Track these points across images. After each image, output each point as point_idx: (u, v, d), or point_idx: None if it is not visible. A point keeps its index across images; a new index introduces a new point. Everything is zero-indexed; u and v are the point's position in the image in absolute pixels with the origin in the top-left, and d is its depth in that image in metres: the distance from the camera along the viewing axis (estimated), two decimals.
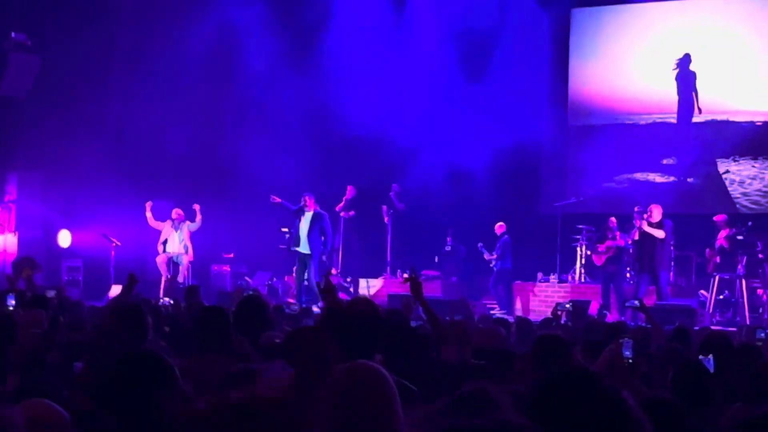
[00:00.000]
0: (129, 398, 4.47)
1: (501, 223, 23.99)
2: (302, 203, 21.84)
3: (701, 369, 6.80)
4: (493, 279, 23.74)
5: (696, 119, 24.88)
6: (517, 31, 25.62)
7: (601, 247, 22.01)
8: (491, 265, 23.78)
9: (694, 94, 24.78)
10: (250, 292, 15.29)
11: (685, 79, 24.93)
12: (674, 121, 25.19)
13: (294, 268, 23.05)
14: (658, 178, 25.09)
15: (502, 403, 3.38)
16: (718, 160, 24.62)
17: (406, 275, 8.17)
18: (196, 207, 23.12)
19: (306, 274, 21.72)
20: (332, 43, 25.83)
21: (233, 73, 25.95)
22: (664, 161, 25.27)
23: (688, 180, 24.85)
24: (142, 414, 4.45)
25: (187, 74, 25.15)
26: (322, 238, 21.85)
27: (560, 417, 3.19)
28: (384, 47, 25.67)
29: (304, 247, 21.69)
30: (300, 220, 21.85)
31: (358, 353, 5.05)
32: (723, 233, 21.49)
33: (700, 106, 24.73)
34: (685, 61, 24.86)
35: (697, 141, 24.77)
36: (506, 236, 23.79)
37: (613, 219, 22.13)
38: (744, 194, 24.42)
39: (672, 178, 24.94)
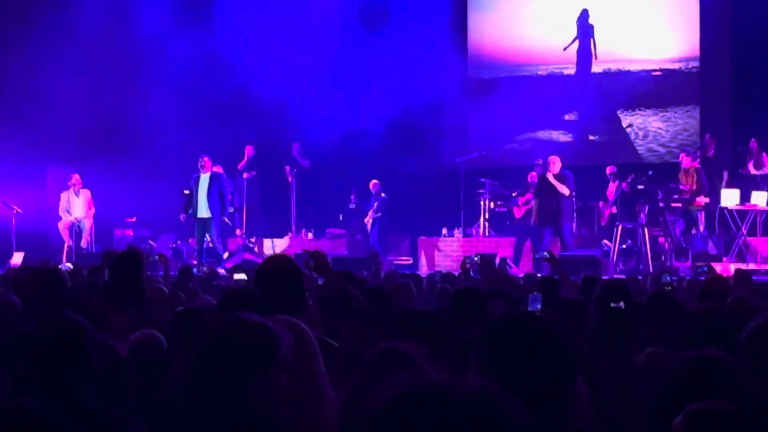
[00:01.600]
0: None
1: (376, 181, 24.08)
2: (199, 164, 21.60)
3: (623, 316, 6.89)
4: (378, 234, 23.87)
5: (595, 70, 25.18)
6: None
7: (522, 200, 22.21)
8: (366, 222, 23.91)
9: (592, 45, 25.08)
10: (156, 257, 15.19)
11: (585, 32, 25.19)
12: (572, 72, 25.44)
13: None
14: (561, 136, 25.32)
15: (417, 360, 3.34)
16: (619, 111, 24.92)
17: (305, 253, 7.66)
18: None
19: (207, 236, 21.56)
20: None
21: (127, 31, 25.51)
22: (566, 116, 25.52)
23: (591, 138, 25.14)
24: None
25: (81, 34, 24.70)
26: (221, 198, 21.63)
27: (510, 355, 3.19)
28: (280, 2, 25.50)
29: (203, 210, 21.47)
30: (196, 183, 21.63)
31: (282, 309, 5.01)
32: (614, 185, 21.89)
33: (598, 55, 25.06)
34: (584, 16, 25.12)
35: (597, 92, 25.05)
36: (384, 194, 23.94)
37: (533, 173, 22.27)
38: (646, 144, 24.78)
39: (572, 137, 25.21)
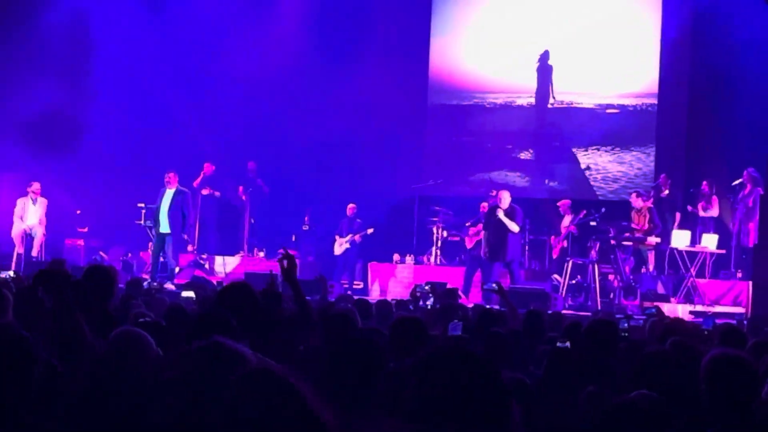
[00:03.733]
0: None
1: (353, 205, 24.09)
2: (165, 179, 21.56)
3: (565, 354, 6.91)
4: (353, 258, 23.90)
5: (553, 106, 25.35)
6: (380, 7, 25.63)
7: (472, 231, 22.27)
8: (344, 244, 23.84)
9: (551, 86, 25.30)
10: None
11: (544, 73, 25.39)
12: (532, 102, 25.59)
13: (149, 244, 22.88)
14: (518, 180, 25.33)
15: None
16: (575, 149, 25.08)
17: (281, 252, 7.83)
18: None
19: (162, 251, 21.51)
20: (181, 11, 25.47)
21: (85, 38, 25.30)
22: (522, 155, 25.65)
23: (548, 183, 25.28)
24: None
25: (39, 40, 24.55)
26: (183, 216, 21.61)
27: (441, 390, 3.21)
28: (248, 20, 25.53)
29: (163, 225, 21.43)
30: (161, 197, 21.60)
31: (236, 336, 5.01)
32: (567, 219, 22.04)
33: (556, 94, 25.27)
34: (544, 57, 25.31)
35: (554, 129, 25.21)
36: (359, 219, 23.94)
37: (484, 204, 22.31)
38: (601, 181, 24.95)
39: (528, 181, 25.32)
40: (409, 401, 3.30)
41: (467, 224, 22.82)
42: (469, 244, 22.44)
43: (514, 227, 20.64)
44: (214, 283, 18.01)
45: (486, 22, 25.97)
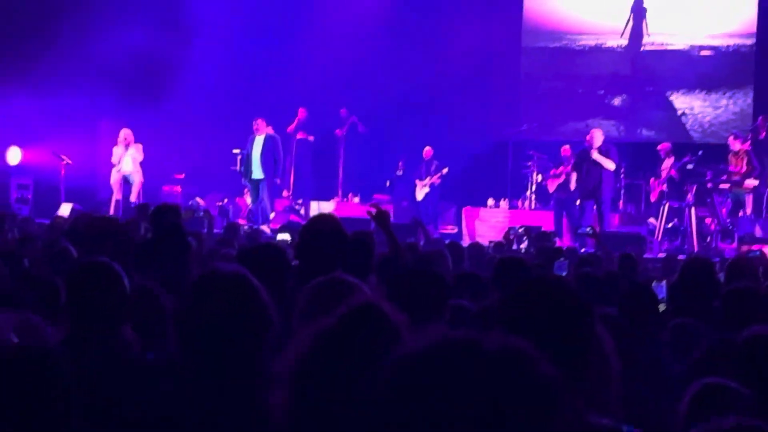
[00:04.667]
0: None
1: (429, 148, 24.04)
2: (254, 126, 21.75)
3: (647, 292, 6.88)
4: (436, 201, 23.92)
5: (647, 49, 25.03)
6: None
7: (554, 173, 22.13)
8: (424, 187, 23.84)
9: (645, 26, 24.96)
10: (200, 213, 15.31)
11: (638, 13, 25.05)
12: (624, 44, 25.28)
13: (245, 190, 23.10)
14: (612, 129, 24.95)
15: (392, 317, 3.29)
16: (670, 93, 24.76)
17: (371, 207, 7.82)
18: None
19: (258, 197, 21.71)
20: None
21: None
22: (615, 101, 25.38)
23: (644, 132, 24.99)
24: None
25: None
26: (274, 161, 21.78)
27: (533, 319, 3.26)
28: None
29: (256, 171, 21.63)
30: (251, 144, 21.78)
31: (324, 269, 5.04)
32: (668, 162, 21.72)
33: (648, 37, 24.98)
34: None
35: (648, 72, 24.90)
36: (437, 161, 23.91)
37: (566, 147, 22.18)
38: (697, 124, 24.63)
39: (623, 130, 25.05)
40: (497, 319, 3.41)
41: (549, 168, 22.68)
42: (551, 187, 22.26)
43: (610, 165, 20.41)
44: None
45: None
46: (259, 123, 21.74)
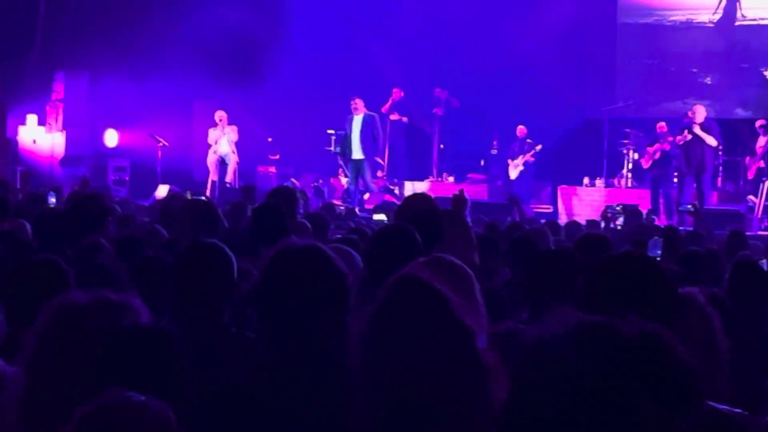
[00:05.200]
0: None
1: (522, 126, 23.92)
2: (351, 106, 21.80)
3: (757, 269, 6.74)
4: (530, 179, 23.79)
5: (741, 23, 24.64)
6: None
7: (650, 150, 21.89)
8: (517, 166, 23.71)
9: (737, 2, 24.61)
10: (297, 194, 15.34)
11: None
12: (712, 21, 24.91)
13: (339, 170, 23.18)
14: (707, 110, 24.44)
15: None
16: (763, 69, 24.35)
17: (456, 193, 7.68)
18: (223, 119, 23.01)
19: (360, 176, 21.79)
20: None
21: None
22: (707, 80, 25.00)
23: (739, 111, 24.58)
24: None
25: None
26: (374, 139, 21.84)
27: (614, 296, 3.24)
28: None
29: (356, 151, 21.70)
30: (350, 124, 21.82)
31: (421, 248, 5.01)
32: (763, 139, 21.31)
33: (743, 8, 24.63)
34: None
35: (740, 48, 24.49)
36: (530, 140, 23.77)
37: (662, 123, 21.94)
38: None
39: (716, 110, 24.65)
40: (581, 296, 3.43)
41: (644, 145, 22.45)
42: (645, 164, 22.01)
43: (711, 141, 20.15)
44: None
45: None
46: (358, 102, 21.80)
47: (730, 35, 24.72)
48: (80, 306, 3.49)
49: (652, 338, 1.89)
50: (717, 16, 24.91)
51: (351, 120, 21.82)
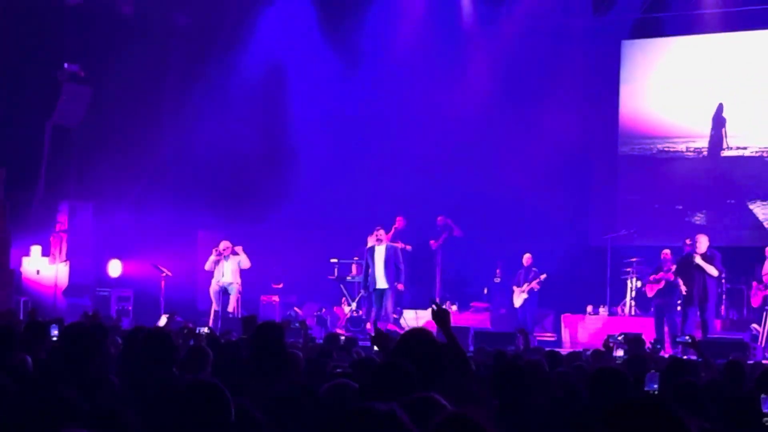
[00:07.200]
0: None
1: (529, 255, 23.93)
2: (376, 236, 21.88)
3: (751, 404, 6.67)
4: (533, 308, 23.72)
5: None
6: (568, 60, 25.51)
7: (653, 279, 21.87)
8: (522, 294, 23.67)
9: (724, 135, 24.80)
10: (297, 324, 15.30)
11: (718, 123, 24.92)
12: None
13: (342, 299, 23.21)
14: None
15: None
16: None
17: (433, 307, 7.63)
18: (239, 249, 23.02)
19: (380, 306, 21.81)
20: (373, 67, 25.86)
21: (276, 95, 26.01)
22: (698, 218, 25.13)
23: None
24: None
25: (239, 102, 25.27)
26: (396, 269, 21.89)
27: None
28: (435, 74, 25.76)
29: (380, 281, 21.75)
30: (371, 254, 21.89)
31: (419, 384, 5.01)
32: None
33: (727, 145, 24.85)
34: (719, 110, 24.87)
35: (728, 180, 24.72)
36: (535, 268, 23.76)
37: (666, 251, 21.94)
38: None
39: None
40: None
41: (648, 273, 22.43)
42: (650, 293, 21.98)
43: (713, 271, 20.13)
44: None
45: (673, 68, 25.63)
46: (381, 233, 21.94)
47: (719, 168, 24.95)
48: None
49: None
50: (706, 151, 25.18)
51: (372, 251, 21.89)
